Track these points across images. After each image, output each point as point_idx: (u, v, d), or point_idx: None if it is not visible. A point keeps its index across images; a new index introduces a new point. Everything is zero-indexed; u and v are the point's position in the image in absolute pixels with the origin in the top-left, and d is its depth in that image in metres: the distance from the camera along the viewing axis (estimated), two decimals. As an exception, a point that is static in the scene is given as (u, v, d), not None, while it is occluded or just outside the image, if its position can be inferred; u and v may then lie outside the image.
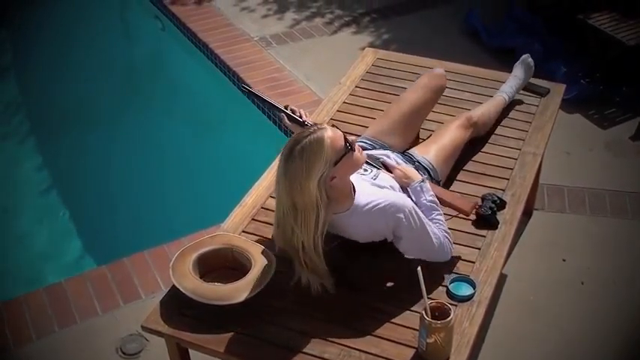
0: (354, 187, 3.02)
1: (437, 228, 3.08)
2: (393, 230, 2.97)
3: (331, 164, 2.79)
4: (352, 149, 2.88)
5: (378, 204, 2.95)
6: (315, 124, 2.99)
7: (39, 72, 6.76)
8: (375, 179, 3.20)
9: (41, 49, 7.03)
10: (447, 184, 3.59)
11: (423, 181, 3.22)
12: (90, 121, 6.20)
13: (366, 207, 2.95)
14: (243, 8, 7.06)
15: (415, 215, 2.96)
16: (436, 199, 3.20)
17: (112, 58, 7.03)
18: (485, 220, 3.34)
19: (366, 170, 3.22)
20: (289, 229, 2.89)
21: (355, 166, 2.96)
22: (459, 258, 3.18)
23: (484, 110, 3.94)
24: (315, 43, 6.48)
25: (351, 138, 2.92)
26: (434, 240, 3.02)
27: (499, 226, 3.33)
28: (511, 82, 4.15)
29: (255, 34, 6.58)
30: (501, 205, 3.42)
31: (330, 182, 2.82)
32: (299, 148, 2.77)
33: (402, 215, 2.92)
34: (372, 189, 3.09)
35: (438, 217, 3.14)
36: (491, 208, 3.37)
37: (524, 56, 4.25)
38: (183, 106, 6.33)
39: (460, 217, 3.36)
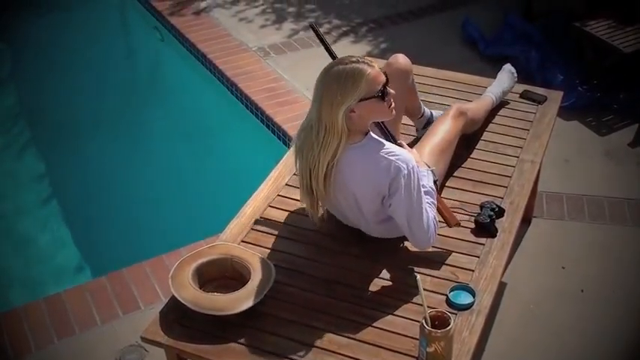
0: (369, 132, 3.07)
1: (430, 208, 3.10)
2: (390, 181, 2.97)
3: (358, 98, 2.89)
4: (384, 97, 2.95)
5: (388, 149, 3.00)
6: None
7: (38, 83, 6.76)
8: None
9: (40, 60, 7.04)
10: (446, 192, 3.60)
11: (432, 171, 3.29)
12: (89, 131, 6.20)
13: (377, 147, 3.01)
14: (242, 19, 7.08)
15: (416, 176, 2.99)
16: (435, 191, 3.23)
17: (111, 69, 7.03)
18: (484, 228, 3.35)
19: None
20: (310, 141, 3.00)
21: (378, 114, 3.03)
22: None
23: (473, 105, 3.97)
24: (313, 52, 6.48)
25: (391, 91, 2.99)
26: (424, 214, 3.03)
27: (498, 234, 3.33)
28: (496, 84, 4.18)
29: (254, 45, 6.59)
30: (500, 212, 3.43)
31: (349, 114, 2.90)
32: (340, 69, 2.90)
33: (404, 166, 2.95)
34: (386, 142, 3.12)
35: (432, 204, 3.16)
36: (489, 216, 3.37)
37: (505, 65, 4.28)
38: (182, 116, 6.34)
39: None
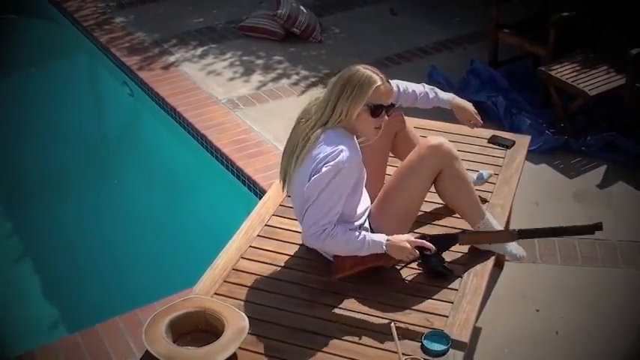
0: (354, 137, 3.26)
1: (344, 231, 3.17)
2: (312, 170, 3.13)
3: (363, 103, 3.16)
4: (379, 115, 3.17)
5: (338, 148, 3.11)
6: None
7: (6, 140, 6.74)
8: None
9: (8, 117, 7.02)
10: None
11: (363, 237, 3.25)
12: (61, 187, 6.17)
13: (334, 140, 3.15)
14: (210, 72, 7.11)
15: (339, 178, 3.09)
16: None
17: (80, 125, 7.03)
18: (436, 273, 3.37)
19: None
20: (316, 116, 3.31)
21: (363, 127, 3.20)
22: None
23: None
24: (282, 103, 6.52)
25: (393, 115, 3.29)
26: (319, 211, 3.11)
27: (470, 278, 3.34)
28: None
29: (223, 97, 6.62)
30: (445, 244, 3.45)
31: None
32: (354, 71, 3.26)
33: (333, 164, 3.07)
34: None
35: (354, 239, 3.18)
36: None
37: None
38: (153, 169, 6.33)
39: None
